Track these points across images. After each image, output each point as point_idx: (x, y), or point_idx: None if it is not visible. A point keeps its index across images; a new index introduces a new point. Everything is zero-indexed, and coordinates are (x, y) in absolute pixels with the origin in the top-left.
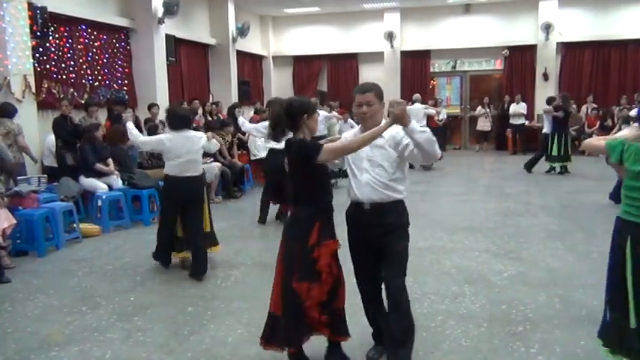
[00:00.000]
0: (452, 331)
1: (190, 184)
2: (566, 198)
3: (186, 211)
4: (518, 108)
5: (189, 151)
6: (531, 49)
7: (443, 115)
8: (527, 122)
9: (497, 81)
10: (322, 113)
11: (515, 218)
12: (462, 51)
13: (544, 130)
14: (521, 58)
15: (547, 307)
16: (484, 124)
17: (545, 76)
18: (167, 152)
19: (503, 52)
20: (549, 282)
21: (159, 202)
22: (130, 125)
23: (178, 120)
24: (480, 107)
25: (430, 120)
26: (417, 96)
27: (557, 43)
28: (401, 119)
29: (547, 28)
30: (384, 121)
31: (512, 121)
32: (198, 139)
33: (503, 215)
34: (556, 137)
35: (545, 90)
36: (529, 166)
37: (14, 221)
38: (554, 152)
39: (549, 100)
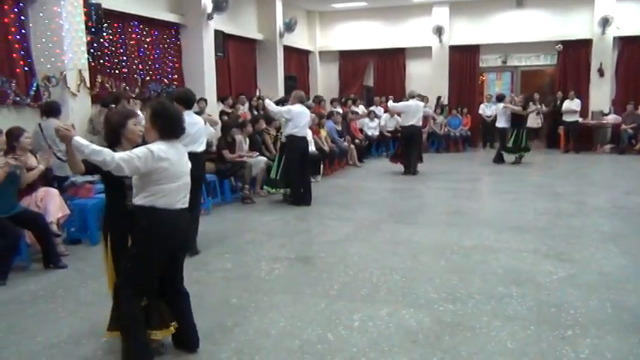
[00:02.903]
0: (497, 332)
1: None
2: (621, 199)
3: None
4: (571, 105)
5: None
6: (586, 43)
7: (492, 112)
8: (580, 119)
9: (549, 76)
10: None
11: (566, 219)
12: (512, 45)
13: (500, 125)
14: (575, 53)
15: (598, 312)
16: (534, 121)
17: (601, 72)
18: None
19: (557, 47)
20: (601, 285)
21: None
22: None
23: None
24: (530, 103)
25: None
26: (413, 91)
27: (614, 38)
28: None
29: (605, 22)
30: None
31: (565, 118)
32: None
33: (553, 215)
34: (514, 131)
35: (600, 86)
36: (498, 159)
37: (68, 212)
38: (510, 144)
39: (501, 97)
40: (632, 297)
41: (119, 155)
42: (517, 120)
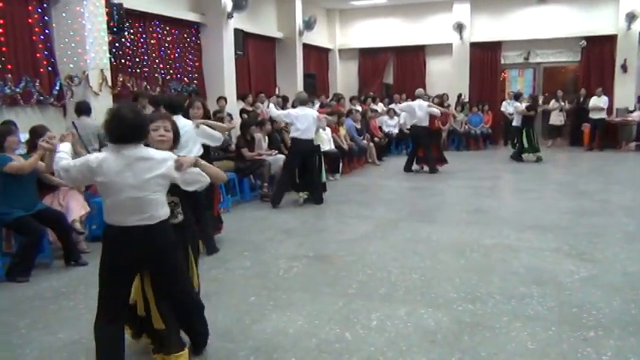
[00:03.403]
0: (517, 332)
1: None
2: None
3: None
4: (598, 102)
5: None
6: (611, 39)
7: (513, 109)
8: (606, 117)
9: (572, 73)
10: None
11: (589, 218)
12: (535, 42)
13: (516, 124)
14: (599, 49)
15: (622, 313)
16: (557, 119)
17: (624, 68)
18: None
19: (581, 43)
20: (625, 286)
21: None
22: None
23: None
24: (553, 101)
25: (431, 121)
26: (419, 91)
27: None
28: None
29: (631, 17)
30: None
31: (591, 115)
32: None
33: (576, 214)
34: (524, 131)
35: (625, 83)
36: (516, 157)
37: (88, 209)
38: (526, 144)
39: (517, 96)
40: None
41: (62, 164)
42: (526, 120)
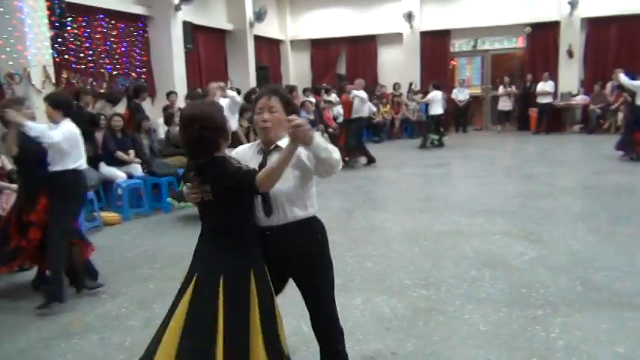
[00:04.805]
0: (470, 315)
1: None
2: (590, 179)
3: None
4: (545, 86)
5: None
6: (555, 25)
7: (465, 96)
8: (552, 101)
9: (519, 59)
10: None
11: (536, 200)
12: (482, 29)
13: (434, 113)
14: (544, 35)
15: (568, 291)
16: (505, 104)
17: (570, 53)
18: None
19: (526, 30)
20: (571, 265)
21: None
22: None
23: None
24: (501, 87)
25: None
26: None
27: (582, 19)
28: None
29: (572, 4)
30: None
31: (538, 100)
32: None
33: (523, 197)
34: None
35: (569, 68)
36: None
37: None
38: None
39: (438, 86)
40: (601, 275)
41: None
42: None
